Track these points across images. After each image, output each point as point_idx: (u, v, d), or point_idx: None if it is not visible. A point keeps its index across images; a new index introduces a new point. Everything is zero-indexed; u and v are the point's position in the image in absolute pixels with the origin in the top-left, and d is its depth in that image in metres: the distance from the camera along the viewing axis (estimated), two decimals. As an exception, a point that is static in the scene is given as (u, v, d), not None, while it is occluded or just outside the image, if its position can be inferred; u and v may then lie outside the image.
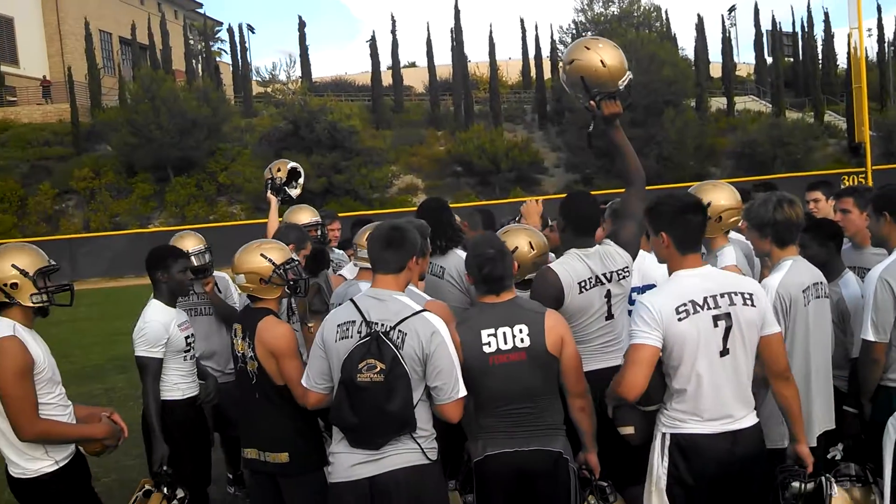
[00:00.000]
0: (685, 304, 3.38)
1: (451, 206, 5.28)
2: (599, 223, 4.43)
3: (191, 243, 5.78)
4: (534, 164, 47.68)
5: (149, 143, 42.11)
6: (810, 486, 3.59)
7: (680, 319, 3.37)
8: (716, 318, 3.39)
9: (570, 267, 4.17)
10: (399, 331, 3.41)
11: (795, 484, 3.57)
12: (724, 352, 3.41)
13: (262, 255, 4.24)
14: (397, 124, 52.51)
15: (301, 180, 6.68)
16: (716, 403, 3.41)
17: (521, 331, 3.59)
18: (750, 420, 3.50)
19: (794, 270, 3.93)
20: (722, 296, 3.42)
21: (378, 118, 52.53)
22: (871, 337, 3.98)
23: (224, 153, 45.46)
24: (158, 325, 4.75)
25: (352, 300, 3.61)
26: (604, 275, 4.20)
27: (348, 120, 44.50)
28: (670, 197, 3.59)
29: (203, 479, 5.07)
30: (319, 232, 6.37)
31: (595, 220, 4.37)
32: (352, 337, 3.45)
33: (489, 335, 3.60)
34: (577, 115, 46.05)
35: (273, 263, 4.22)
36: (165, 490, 4.49)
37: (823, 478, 3.66)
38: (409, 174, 48.16)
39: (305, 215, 6.46)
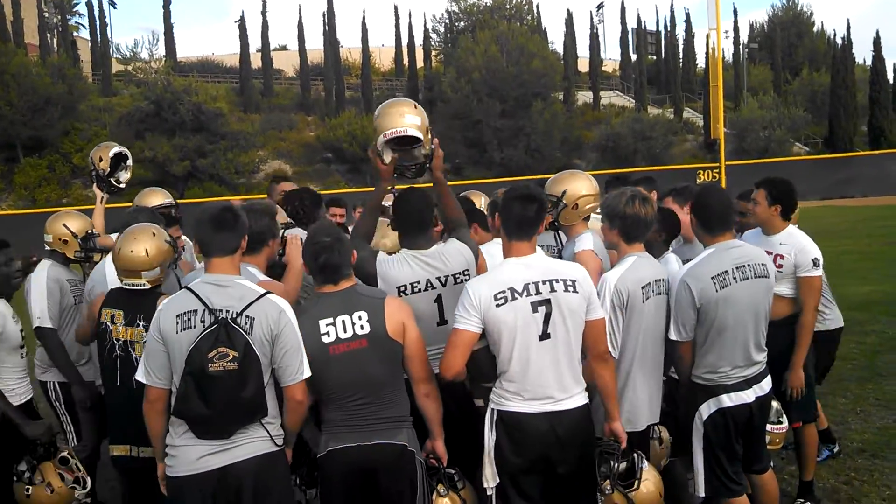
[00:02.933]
0: (503, 291, 3.51)
1: (321, 192, 5.12)
2: (429, 223, 4.29)
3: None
4: (405, 152, 47.66)
5: (-4, 121, 39.63)
6: (623, 465, 3.78)
7: (498, 305, 3.50)
8: (535, 304, 3.52)
9: (395, 268, 4.08)
10: (246, 316, 3.29)
11: (611, 463, 3.74)
12: (545, 336, 3.54)
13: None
14: (266, 108, 51.64)
15: (129, 163, 6.13)
16: (536, 384, 3.54)
17: (360, 317, 3.50)
18: (574, 402, 3.61)
19: (636, 266, 3.99)
20: (543, 283, 3.55)
21: (246, 101, 51.53)
22: (672, 336, 4.13)
23: (80, 133, 43.19)
24: None
25: (188, 288, 3.41)
26: (437, 279, 4.11)
27: (214, 102, 43.28)
28: (512, 188, 3.74)
29: None
30: (174, 213, 6.00)
31: (424, 220, 4.21)
32: (195, 327, 3.28)
33: (328, 325, 3.49)
34: (449, 106, 46.55)
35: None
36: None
37: (635, 454, 3.84)
38: (278, 159, 47.36)
39: (157, 198, 6.00)
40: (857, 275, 13.56)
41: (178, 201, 6.20)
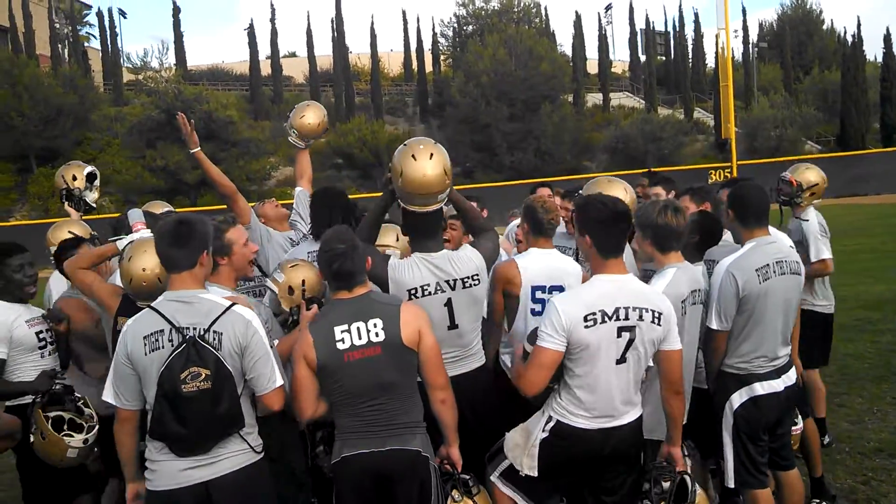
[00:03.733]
0: (594, 314, 3.47)
1: None
2: (438, 227, 4.30)
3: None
4: (415, 157, 47.66)
5: (9, 132, 40.06)
6: (671, 485, 3.77)
7: (587, 327, 3.46)
8: (620, 329, 3.50)
9: (405, 272, 4.09)
10: (214, 332, 3.27)
11: (665, 484, 3.74)
12: (621, 360, 3.54)
13: None
14: (276, 115, 51.61)
15: (97, 183, 6.18)
16: (604, 404, 3.56)
17: (375, 325, 3.50)
18: (630, 416, 3.64)
19: (676, 281, 4.00)
20: (634, 309, 3.52)
21: (256, 108, 51.66)
22: (714, 326, 4.16)
23: (92, 143, 43.57)
24: None
25: (151, 307, 3.36)
26: (446, 282, 4.11)
27: (225, 110, 43.42)
28: (599, 203, 3.63)
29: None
30: None
31: (433, 225, 4.23)
32: (163, 347, 3.24)
33: (342, 331, 3.49)
34: (458, 110, 46.55)
35: None
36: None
37: (686, 476, 3.82)
38: (289, 166, 47.38)
39: (158, 207, 6.15)
40: (871, 273, 13.48)
41: (193, 209, 6.26)
